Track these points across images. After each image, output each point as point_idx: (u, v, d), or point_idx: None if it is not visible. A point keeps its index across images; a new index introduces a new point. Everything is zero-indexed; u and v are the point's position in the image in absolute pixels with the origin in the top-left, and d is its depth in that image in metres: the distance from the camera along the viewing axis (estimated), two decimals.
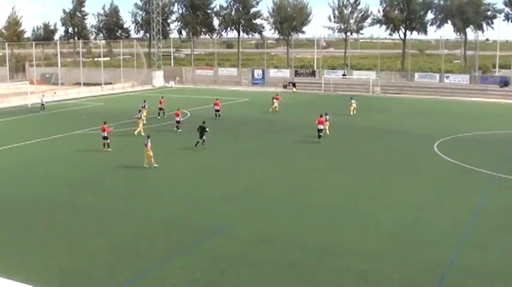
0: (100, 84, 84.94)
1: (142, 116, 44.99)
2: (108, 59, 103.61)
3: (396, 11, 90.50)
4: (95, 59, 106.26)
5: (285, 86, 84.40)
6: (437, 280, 18.03)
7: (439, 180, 30.62)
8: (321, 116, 42.15)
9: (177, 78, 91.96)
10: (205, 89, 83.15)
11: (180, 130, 45.14)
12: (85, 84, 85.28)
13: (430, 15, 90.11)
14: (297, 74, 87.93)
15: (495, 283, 17.89)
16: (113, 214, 24.67)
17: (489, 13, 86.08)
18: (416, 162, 35.26)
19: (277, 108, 57.98)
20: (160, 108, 53.59)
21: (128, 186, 29.46)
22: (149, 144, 32.55)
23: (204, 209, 25.41)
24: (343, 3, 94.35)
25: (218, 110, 52.44)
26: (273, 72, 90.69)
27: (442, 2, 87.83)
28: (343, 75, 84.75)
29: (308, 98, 73.26)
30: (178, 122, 45.51)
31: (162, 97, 56.26)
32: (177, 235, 22.05)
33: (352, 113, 55.18)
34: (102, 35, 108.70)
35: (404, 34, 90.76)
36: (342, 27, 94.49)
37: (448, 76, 79.79)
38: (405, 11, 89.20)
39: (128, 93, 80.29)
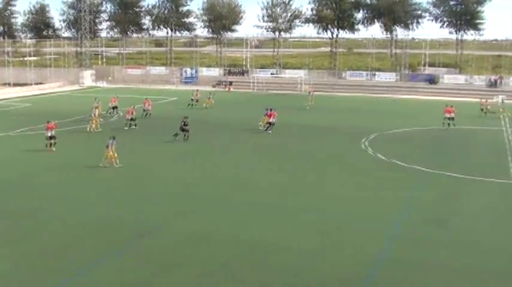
0: (29, 84, 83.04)
1: (96, 114, 46.02)
2: (37, 58, 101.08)
3: (328, 10, 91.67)
4: (24, 59, 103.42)
5: (214, 86, 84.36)
6: (369, 272, 18.37)
7: (369, 176, 31.20)
8: (272, 110, 44.90)
9: (109, 77, 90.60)
10: (135, 89, 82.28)
11: (134, 127, 45.88)
12: (14, 84, 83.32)
13: (360, 15, 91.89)
14: (230, 73, 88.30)
15: (425, 273, 18.35)
16: (44, 217, 23.92)
17: (417, 12, 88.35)
18: (348, 159, 35.88)
19: (202, 104, 60.62)
20: (114, 107, 54.06)
21: (62, 187, 28.67)
22: (111, 145, 32.16)
23: (138, 209, 25.05)
24: (273, 2, 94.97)
25: (146, 110, 52.22)
26: (205, 71, 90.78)
27: (372, 1, 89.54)
28: (271, 74, 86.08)
29: (240, 96, 73.71)
30: (131, 119, 46.23)
31: (116, 96, 56.72)
32: (110, 236, 21.64)
33: (308, 104, 61.43)
34: (30, 34, 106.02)
35: (336, 33, 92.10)
36: (273, 26, 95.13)
37: (376, 74, 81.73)
38: (336, 10, 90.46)
39: (56, 93, 78.53)
